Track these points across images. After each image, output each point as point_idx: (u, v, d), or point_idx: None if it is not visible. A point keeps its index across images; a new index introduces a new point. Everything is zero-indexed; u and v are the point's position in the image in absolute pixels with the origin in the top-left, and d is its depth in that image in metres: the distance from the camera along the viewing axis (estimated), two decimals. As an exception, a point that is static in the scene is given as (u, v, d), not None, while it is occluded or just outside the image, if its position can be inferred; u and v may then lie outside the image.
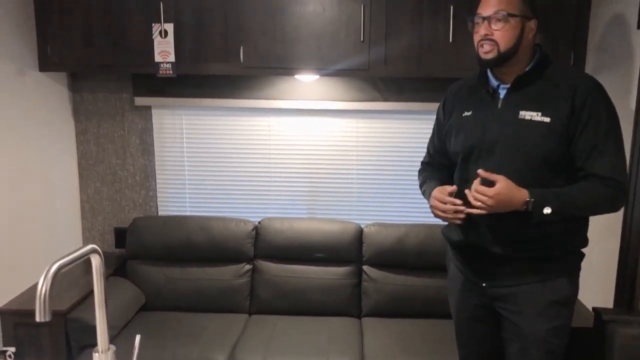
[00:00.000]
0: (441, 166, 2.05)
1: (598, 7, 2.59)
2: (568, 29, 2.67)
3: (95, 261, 1.18)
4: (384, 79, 3.00)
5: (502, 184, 1.67)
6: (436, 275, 2.92)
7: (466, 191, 1.74)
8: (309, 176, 3.24)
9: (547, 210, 1.65)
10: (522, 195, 1.67)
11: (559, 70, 1.79)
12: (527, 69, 1.78)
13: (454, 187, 1.80)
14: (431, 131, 2.12)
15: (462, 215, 1.75)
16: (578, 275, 1.88)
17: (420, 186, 2.05)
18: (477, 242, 1.84)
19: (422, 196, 2.07)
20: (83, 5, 2.73)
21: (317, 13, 2.69)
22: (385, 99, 3.04)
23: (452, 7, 2.63)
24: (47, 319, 1.01)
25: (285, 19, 2.69)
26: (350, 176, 3.23)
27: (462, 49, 2.68)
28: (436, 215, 1.83)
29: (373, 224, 3.05)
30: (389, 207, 3.24)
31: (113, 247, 3.31)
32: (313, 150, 3.21)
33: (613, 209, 1.78)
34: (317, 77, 2.92)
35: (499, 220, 1.75)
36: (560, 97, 1.71)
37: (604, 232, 2.31)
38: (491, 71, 1.84)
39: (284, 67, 2.76)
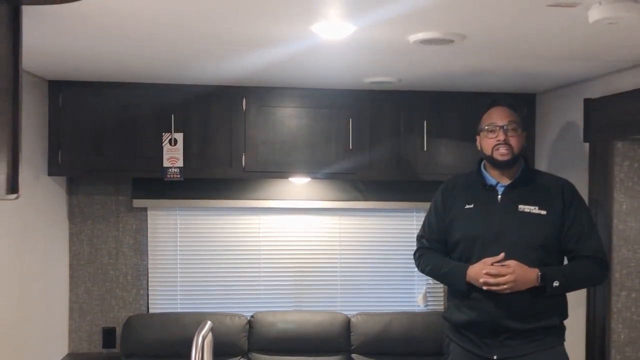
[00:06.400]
0: (441, 252, 2.32)
1: (544, 122, 3.15)
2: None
3: (208, 338, 1.37)
4: (364, 180, 3.39)
5: (513, 262, 2.02)
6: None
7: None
8: (295, 270, 3.47)
9: (556, 284, 2.03)
10: (533, 271, 2.04)
11: (542, 175, 2.30)
12: (521, 170, 2.21)
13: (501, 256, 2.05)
14: (420, 224, 2.42)
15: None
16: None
17: (431, 268, 2.29)
18: (487, 319, 2.14)
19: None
20: (97, 115, 2.97)
21: (312, 125, 3.09)
22: (365, 199, 3.41)
23: (425, 122, 3.12)
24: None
25: (285, 131, 3.07)
26: (334, 269, 3.49)
27: (434, 156, 3.14)
28: (486, 284, 2.04)
29: (359, 314, 3.30)
30: (370, 297, 3.50)
31: (100, 348, 3.31)
32: (299, 246, 3.47)
33: (600, 281, 2.22)
34: (308, 179, 3.27)
35: (508, 297, 2.08)
36: (552, 196, 2.16)
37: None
38: (486, 171, 2.25)
39: (281, 172, 3.10)
